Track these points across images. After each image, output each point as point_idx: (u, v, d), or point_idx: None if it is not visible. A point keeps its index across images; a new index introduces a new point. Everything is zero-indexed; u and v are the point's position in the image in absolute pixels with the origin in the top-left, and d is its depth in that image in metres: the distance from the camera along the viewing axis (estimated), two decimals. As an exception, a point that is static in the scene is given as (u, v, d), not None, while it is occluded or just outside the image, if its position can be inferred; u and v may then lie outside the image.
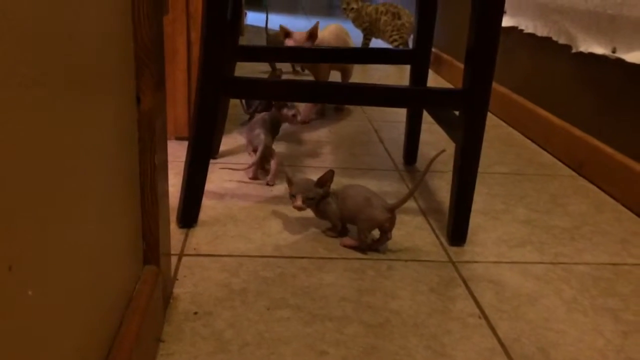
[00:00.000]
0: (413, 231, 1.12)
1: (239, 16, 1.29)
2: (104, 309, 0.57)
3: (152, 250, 0.75)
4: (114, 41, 0.59)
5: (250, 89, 1.06)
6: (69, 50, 0.45)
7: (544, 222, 1.20)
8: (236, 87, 1.05)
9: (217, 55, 1.00)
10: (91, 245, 0.52)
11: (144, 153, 0.71)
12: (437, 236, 1.11)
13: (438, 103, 1.06)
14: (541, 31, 1.74)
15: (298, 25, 4.28)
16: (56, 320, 0.44)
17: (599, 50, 1.43)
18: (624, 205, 1.30)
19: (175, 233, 1.06)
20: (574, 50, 1.55)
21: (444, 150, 1.02)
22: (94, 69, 0.52)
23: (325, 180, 1.05)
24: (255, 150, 1.31)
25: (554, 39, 1.65)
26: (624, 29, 1.33)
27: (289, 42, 1.72)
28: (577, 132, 1.53)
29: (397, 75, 2.66)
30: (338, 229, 1.08)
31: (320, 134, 1.70)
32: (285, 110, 1.40)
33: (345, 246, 1.05)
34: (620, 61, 1.35)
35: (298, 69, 2.51)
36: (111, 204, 0.59)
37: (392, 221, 1.01)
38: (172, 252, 0.98)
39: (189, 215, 1.08)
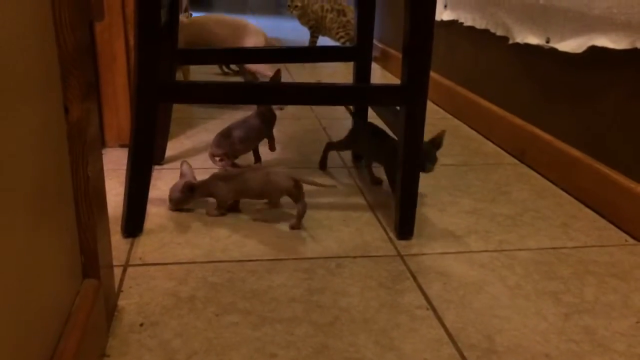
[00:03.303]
0: (362, 227, 1.13)
1: (176, 19, 1.27)
2: (38, 327, 0.55)
3: (91, 263, 0.73)
4: (33, 50, 0.57)
5: (189, 94, 1.05)
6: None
7: (488, 211, 1.23)
8: (174, 91, 1.03)
9: (152, 59, 0.98)
10: (18, 263, 0.50)
11: (76, 164, 0.69)
12: (385, 231, 1.12)
13: (377, 99, 1.07)
14: (480, 24, 1.78)
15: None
16: (-22, 345, 0.42)
17: (533, 40, 1.47)
18: (563, 190, 1.35)
19: (120, 243, 1.03)
20: (511, 42, 1.59)
21: (334, 186, 1.25)
22: (12, 78, 0.50)
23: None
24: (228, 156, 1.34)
25: (492, 31, 1.69)
26: (556, 19, 1.38)
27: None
28: (518, 121, 1.57)
29: (346, 72, 2.68)
30: (225, 208, 1.16)
31: (268, 135, 1.69)
32: None
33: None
34: (554, 50, 1.39)
35: (228, 70, 2.48)
36: (42, 220, 0.57)
37: (298, 188, 1.10)
38: (117, 263, 0.96)
39: (133, 224, 1.06)
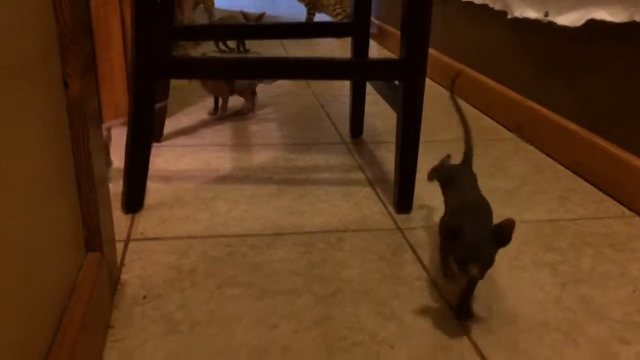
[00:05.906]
0: (361, 201, 1.14)
1: (173, -5, 1.26)
2: (43, 300, 0.56)
3: (94, 237, 0.74)
4: (33, 25, 0.57)
5: (187, 69, 1.04)
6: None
7: (486, 185, 1.23)
8: (171, 67, 1.02)
9: (149, 35, 0.97)
10: (22, 237, 0.51)
11: (77, 139, 0.69)
12: (384, 205, 1.13)
13: (376, 73, 1.07)
14: (478, -2, 1.76)
15: (240, 4, 4.20)
16: (-13, 312, 0.43)
17: (532, 14, 1.47)
18: (561, 163, 1.36)
19: (122, 219, 1.04)
20: (509, 16, 1.58)
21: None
22: (13, 54, 0.50)
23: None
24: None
25: (490, 5, 1.68)
26: (555, -7, 1.37)
27: None
28: (516, 95, 1.57)
29: (342, 50, 2.66)
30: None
31: (266, 111, 1.69)
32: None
33: None
34: (552, 24, 1.39)
35: (224, 48, 2.47)
36: (43, 194, 0.57)
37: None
38: (118, 238, 0.97)
39: (134, 200, 1.07)
